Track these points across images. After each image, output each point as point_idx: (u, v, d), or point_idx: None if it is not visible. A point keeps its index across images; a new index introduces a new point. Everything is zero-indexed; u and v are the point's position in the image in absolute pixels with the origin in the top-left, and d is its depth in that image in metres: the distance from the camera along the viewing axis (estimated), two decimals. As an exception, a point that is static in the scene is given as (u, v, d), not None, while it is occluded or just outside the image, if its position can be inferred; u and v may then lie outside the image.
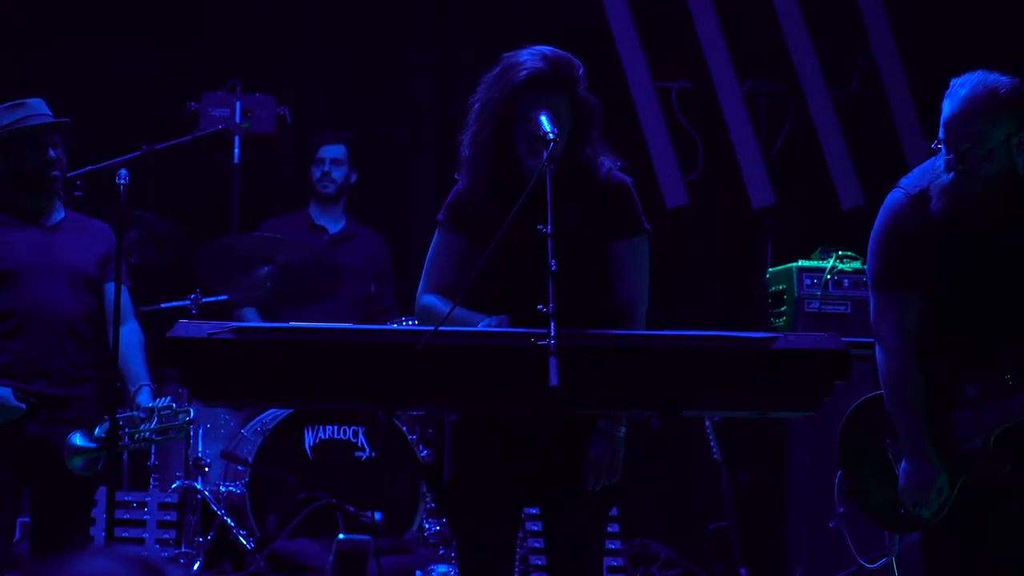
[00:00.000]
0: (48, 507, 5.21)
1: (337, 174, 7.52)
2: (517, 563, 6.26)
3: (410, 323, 6.51)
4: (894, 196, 4.27)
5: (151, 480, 6.77)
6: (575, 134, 4.03)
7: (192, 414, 5.16)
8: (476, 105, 4.07)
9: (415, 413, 6.63)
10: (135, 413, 5.08)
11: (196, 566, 6.31)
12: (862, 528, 6.51)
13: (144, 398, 5.17)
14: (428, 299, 4.12)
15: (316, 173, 7.53)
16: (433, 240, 4.17)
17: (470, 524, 4.05)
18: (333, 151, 7.53)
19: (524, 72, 3.99)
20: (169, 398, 5.16)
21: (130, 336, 5.33)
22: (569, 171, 4.04)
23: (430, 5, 8.29)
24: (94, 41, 7.77)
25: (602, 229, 4.07)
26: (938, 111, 4.16)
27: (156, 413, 5.06)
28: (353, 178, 7.58)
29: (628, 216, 4.10)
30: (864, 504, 4.40)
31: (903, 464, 4.21)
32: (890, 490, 4.26)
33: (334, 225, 7.56)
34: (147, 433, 5.05)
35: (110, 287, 5.32)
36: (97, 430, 5.08)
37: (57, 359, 5.18)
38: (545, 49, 4.05)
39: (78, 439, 5.08)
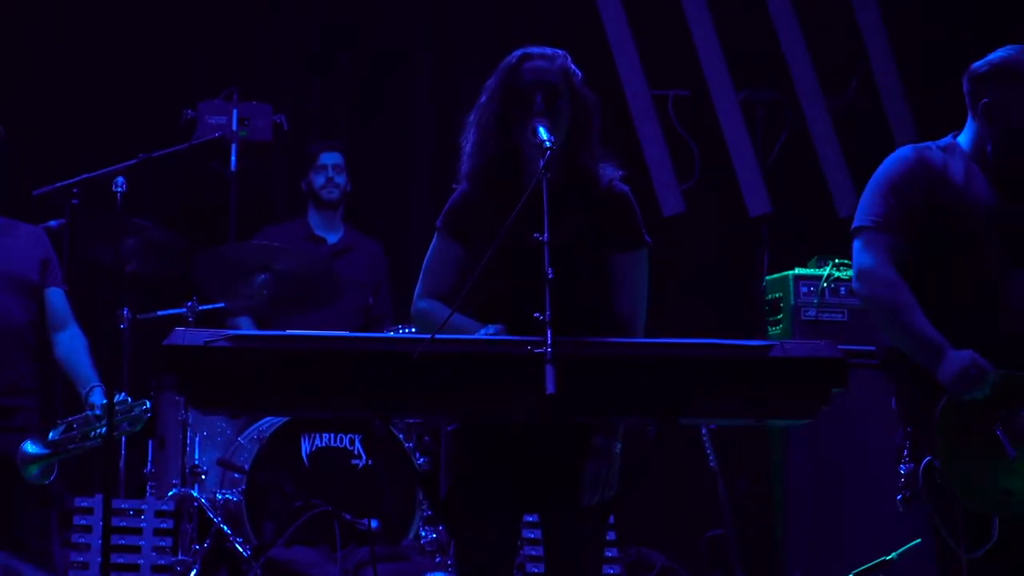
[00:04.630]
0: (6, 517, 5.15)
1: (340, 179, 7.52)
2: (515, 571, 6.26)
3: (406, 331, 6.51)
4: None
5: (147, 488, 6.77)
6: (574, 133, 4.05)
7: (148, 405, 5.07)
8: (472, 116, 4.10)
9: (412, 421, 6.64)
10: (90, 413, 5.02)
11: (193, 574, 6.31)
12: (862, 529, 6.52)
13: (97, 398, 5.11)
14: (424, 304, 4.13)
15: (320, 180, 7.51)
16: (431, 245, 4.18)
17: (469, 532, 4.05)
18: (334, 157, 7.53)
19: (519, 52, 4.09)
20: (124, 394, 5.09)
21: (73, 341, 5.28)
22: (570, 179, 4.05)
23: (428, 13, 8.30)
24: (92, 48, 7.78)
25: (602, 240, 4.07)
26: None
27: (112, 410, 4.97)
28: (349, 186, 7.59)
29: (629, 228, 4.11)
30: (964, 491, 4.32)
31: None
32: (997, 473, 4.24)
33: (333, 235, 7.55)
34: (102, 430, 4.98)
35: (51, 292, 5.28)
36: (52, 435, 5.03)
37: (6, 369, 5.14)
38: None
39: (30, 447, 5.03)
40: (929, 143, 4.53)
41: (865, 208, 4.45)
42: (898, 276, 4.35)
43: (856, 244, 4.45)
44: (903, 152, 4.49)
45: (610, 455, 3.97)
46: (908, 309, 4.32)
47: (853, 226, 4.47)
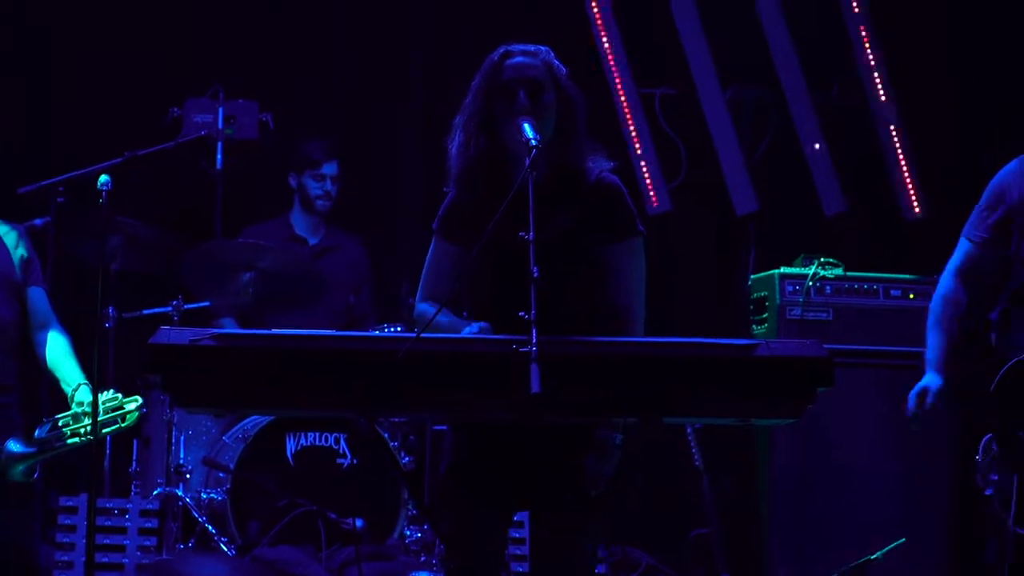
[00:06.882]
0: None
1: (335, 191, 7.48)
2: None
3: (389, 330, 6.50)
4: None
5: (132, 487, 6.76)
6: (560, 128, 4.04)
7: (141, 401, 5.05)
8: (458, 117, 4.10)
9: (397, 420, 6.63)
10: (78, 411, 4.99)
11: (177, 573, 6.30)
12: (847, 528, 6.53)
13: (84, 395, 5.08)
14: (422, 307, 4.14)
15: (316, 189, 7.46)
16: (429, 249, 4.19)
17: (456, 530, 4.04)
18: (334, 168, 7.47)
19: (501, 48, 4.09)
20: (113, 390, 5.06)
21: (55, 340, 5.26)
22: (558, 175, 4.04)
23: (418, 11, 8.29)
24: (77, 47, 7.76)
25: (595, 233, 4.06)
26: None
27: (100, 407, 4.93)
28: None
29: (621, 218, 4.09)
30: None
31: None
32: None
33: (314, 236, 7.53)
34: (89, 427, 4.94)
35: (32, 291, 5.27)
36: (37, 433, 5.01)
37: None
38: None
39: (14, 446, 5.00)
40: None
41: (970, 217, 4.76)
42: (956, 287, 4.61)
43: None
44: (1010, 164, 4.67)
45: (613, 447, 3.96)
46: (935, 320, 4.67)
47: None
